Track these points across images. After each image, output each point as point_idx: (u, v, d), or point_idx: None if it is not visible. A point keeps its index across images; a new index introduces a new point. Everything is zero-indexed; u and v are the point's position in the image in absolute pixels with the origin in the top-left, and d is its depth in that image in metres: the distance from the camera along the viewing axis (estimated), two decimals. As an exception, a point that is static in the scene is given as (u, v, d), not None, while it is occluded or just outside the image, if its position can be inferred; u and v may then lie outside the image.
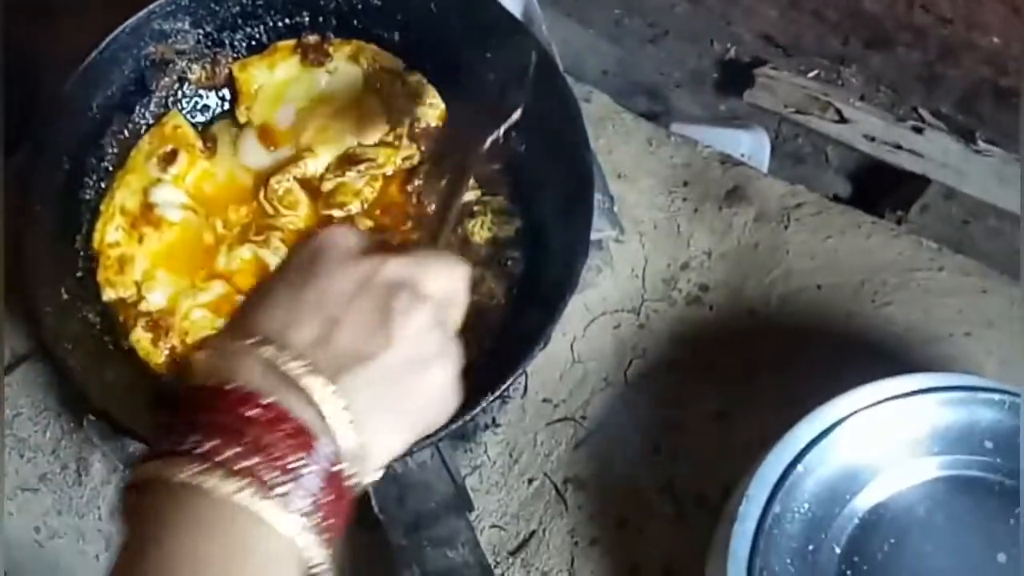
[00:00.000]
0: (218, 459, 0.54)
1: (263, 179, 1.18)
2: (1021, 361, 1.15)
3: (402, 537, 1.06)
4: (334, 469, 0.58)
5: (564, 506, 1.13)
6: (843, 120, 1.69)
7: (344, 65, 1.22)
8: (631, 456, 1.14)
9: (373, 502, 1.05)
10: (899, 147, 1.66)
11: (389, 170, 1.18)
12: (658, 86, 1.80)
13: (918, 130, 1.66)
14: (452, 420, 0.71)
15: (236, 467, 0.54)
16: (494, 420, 1.16)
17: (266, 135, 1.21)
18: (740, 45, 1.80)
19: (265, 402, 0.56)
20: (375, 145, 1.19)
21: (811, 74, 1.74)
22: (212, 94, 1.24)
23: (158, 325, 1.11)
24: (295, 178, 1.16)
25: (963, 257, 1.22)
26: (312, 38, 1.23)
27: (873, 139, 1.68)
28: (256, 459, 0.54)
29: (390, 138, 1.19)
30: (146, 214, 1.15)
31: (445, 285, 0.68)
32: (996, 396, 0.99)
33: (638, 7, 1.84)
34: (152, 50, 1.18)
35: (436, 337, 0.66)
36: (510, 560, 1.11)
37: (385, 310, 0.63)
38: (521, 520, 1.13)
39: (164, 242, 1.14)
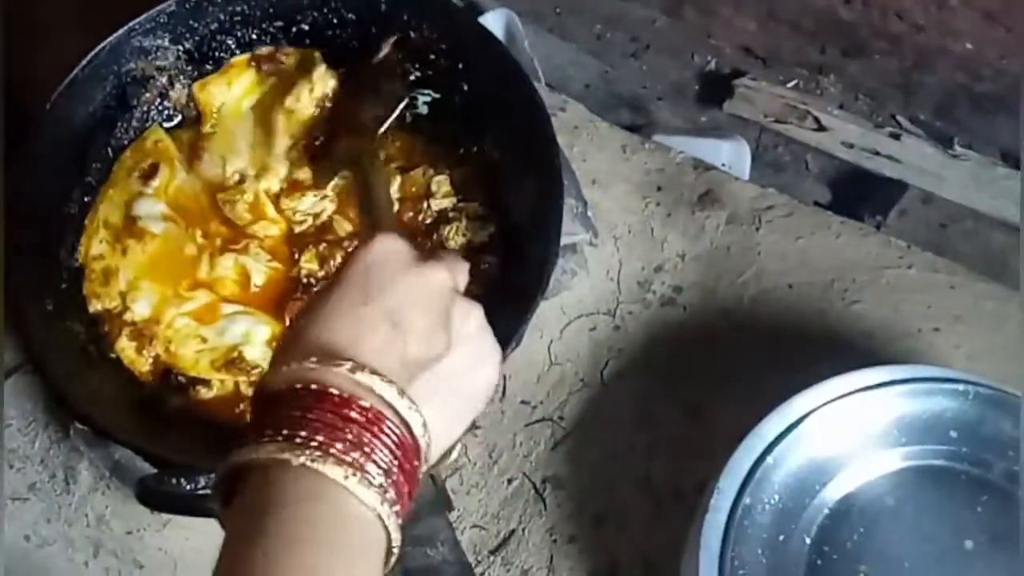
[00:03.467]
0: (331, 451, 0.61)
1: (214, 189, 1.22)
2: (989, 355, 1.17)
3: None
4: (410, 465, 0.65)
5: (543, 505, 1.15)
6: (822, 128, 1.72)
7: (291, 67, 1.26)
8: (608, 454, 1.16)
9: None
10: (877, 153, 1.69)
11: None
12: (640, 99, 1.83)
13: (896, 136, 1.68)
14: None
15: (345, 458, 0.61)
16: (474, 422, 1.18)
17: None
18: (720, 57, 1.83)
19: (363, 405, 0.63)
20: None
21: (790, 84, 1.77)
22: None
23: (142, 334, 1.13)
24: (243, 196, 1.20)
25: (931, 254, 1.24)
26: (265, 49, 1.26)
27: (851, 146, 1.71)
28: (356, 453, 0.62)
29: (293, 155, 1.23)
30: (129, 227, 1.17)
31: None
32: (960, 387, 1.02)
33: (619, 22, 1.87)
34: (133, 66, 1.21)
35: (487, 337, 0.74)
36: (491, 559, 1.13)
37: (444, 315, 0.70)
38: (501, 519, 1.15)
39: (147, 253, 1.16)
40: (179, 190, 1.21)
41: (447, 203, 1.19)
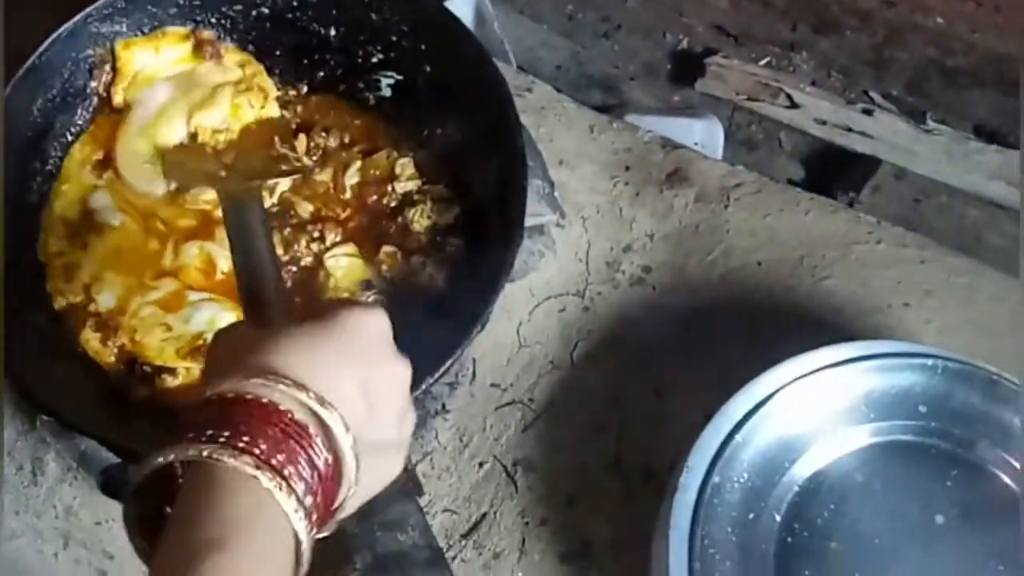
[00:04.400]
0: (268, 460, 0.64)
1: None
2: (960, 330, 1.17)
3: (354, 525, 1.07)
4: (331, 518, 0.70)
5: (514, 488, 1.14)
6: (794, 105, 1.71)
7: (232, 65, 1.25)
8: (578, 436, 1.16)
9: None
10: (850, 130, 1.68)
11: None
12: (612, 79, 1.82)
13: (868, 112, 1.68)
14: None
15: (295, 488, 0.64)
16: (444, 407, 1.18)
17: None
18: (692, 36, 1.83)
19: (301, 425, 0.66)
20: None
21: (762, 61, 1.76)
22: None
23: (107, 325, 1.12)
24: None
25: (901, 229, 1.24)
26: (207, 33, 1.24)
27: (824, 123, 1.70)
28: (303, 486, 0.65)
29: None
30: (87, 221, 1.16)
31: None
32: (929, 361, 1.01)
33: (591, 2, 1.86)
34: (91, 53, 1.19)
35: (407, 441, 0.77)
36: (462, 543, 1.12)
37: (402, 413, 0.74)
38: (472, 503, 1.14)
39: (108, 246, 1.15)
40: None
41: (411, 185, 1.18)
